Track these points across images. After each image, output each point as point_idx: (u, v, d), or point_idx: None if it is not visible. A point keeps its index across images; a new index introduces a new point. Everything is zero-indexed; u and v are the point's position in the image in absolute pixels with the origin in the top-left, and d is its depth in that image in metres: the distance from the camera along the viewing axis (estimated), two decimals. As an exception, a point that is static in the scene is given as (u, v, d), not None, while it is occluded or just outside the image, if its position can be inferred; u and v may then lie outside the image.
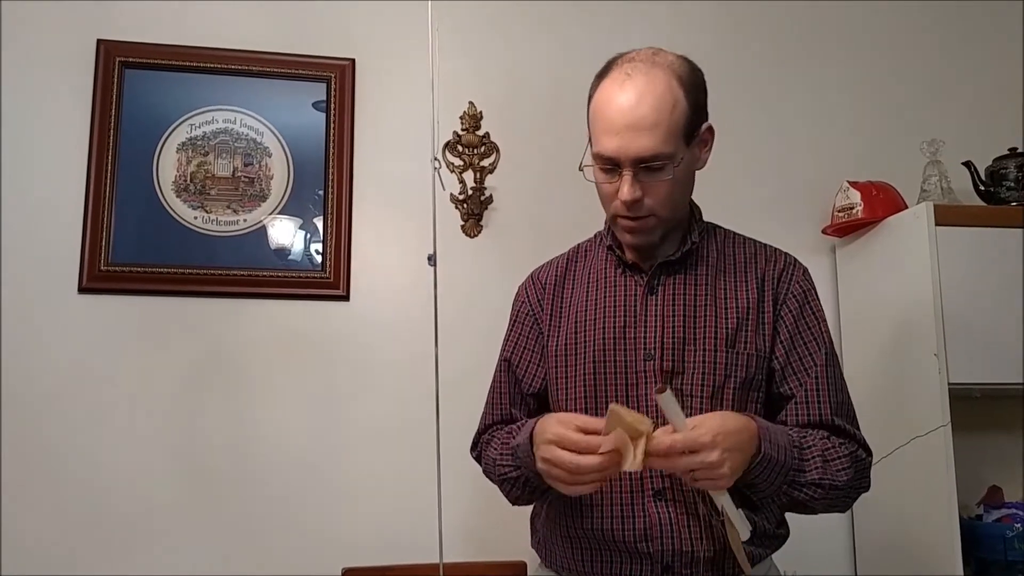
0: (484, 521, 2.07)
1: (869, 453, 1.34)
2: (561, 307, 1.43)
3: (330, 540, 2.03)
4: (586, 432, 1.17)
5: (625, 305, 1.37)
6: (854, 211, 2.20)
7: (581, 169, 1.34)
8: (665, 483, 1.29)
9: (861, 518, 2.20)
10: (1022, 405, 2.21)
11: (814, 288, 1.40)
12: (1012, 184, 2.17)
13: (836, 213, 2.26)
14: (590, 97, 1.34)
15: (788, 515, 1.40)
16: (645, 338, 1.33)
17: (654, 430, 1.13)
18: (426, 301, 2.02)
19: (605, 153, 1.28)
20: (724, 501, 1.18)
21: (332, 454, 2.07)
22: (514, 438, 1.34)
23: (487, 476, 1.45)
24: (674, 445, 1.12)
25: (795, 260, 1.42)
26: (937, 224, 2.00)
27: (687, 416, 1.16)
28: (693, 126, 1.30)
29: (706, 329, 1.33)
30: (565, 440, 1.17)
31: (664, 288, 1.36)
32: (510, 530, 2.02)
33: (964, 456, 1.94)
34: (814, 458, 1.25)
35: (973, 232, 2.02)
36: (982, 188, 2.21)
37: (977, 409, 2.15)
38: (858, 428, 1.35)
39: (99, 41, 2.11)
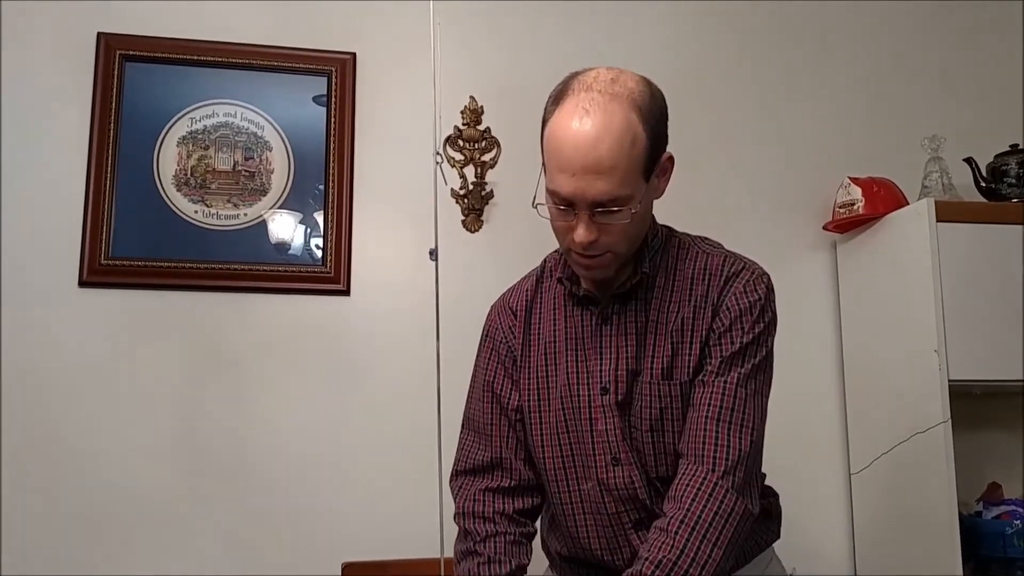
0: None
1: (731, 482, 1.19)
2: (529, 336, 1.39)
3: (330, 534, 2.03)
4: None
5: (583, 336, 1.32)
6: (855, 207, 2.20)
7: (535, 206, 1.26)
8: (641, 514, 1.29)
9: (861, 514, 2.20)
10: (1022, 402, 2.21)
11: (761, 300, 1.28)
12: (1013, 180, 2.17)
13: (837, 209, 2.26)
14: (544, 121, 1.26)
15: (784, 495, 1.41)
16: (601, 371, 1.29)
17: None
18: (426, 296, 2.01)
19: (561, 192, 1.20)
20: None
21: (332, 448, 2.07)
22: None
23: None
24: None
25: (744, 269, 1.31)
26: (938, 220, 2.00)
27: (633, 447, 1.24)
28: (653, 159, 1.22)
29: (651, 359, 1.28)
30: None
31: (618, 318, 1.31)
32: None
33: (964, 453, 1.95)
34: (693, 563, 1.15)
35: (974, 228, 2.02)
36: (983, 184, 2.21)
37: (977, 406, 2.15)
38: (735, 455, 1.20)
39: (100, 34, 2.11)
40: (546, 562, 1.50)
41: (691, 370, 1.26)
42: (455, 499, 1.41)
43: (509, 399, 1.39)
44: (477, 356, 1.46)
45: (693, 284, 1.30)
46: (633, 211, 1.20)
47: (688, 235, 1.40)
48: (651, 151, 1.21)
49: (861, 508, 2.20)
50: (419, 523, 1.95)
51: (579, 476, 1.32)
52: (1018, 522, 1.99)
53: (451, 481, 1.44)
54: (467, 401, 1.46)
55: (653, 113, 1.21)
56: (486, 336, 1.46)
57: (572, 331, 1.34)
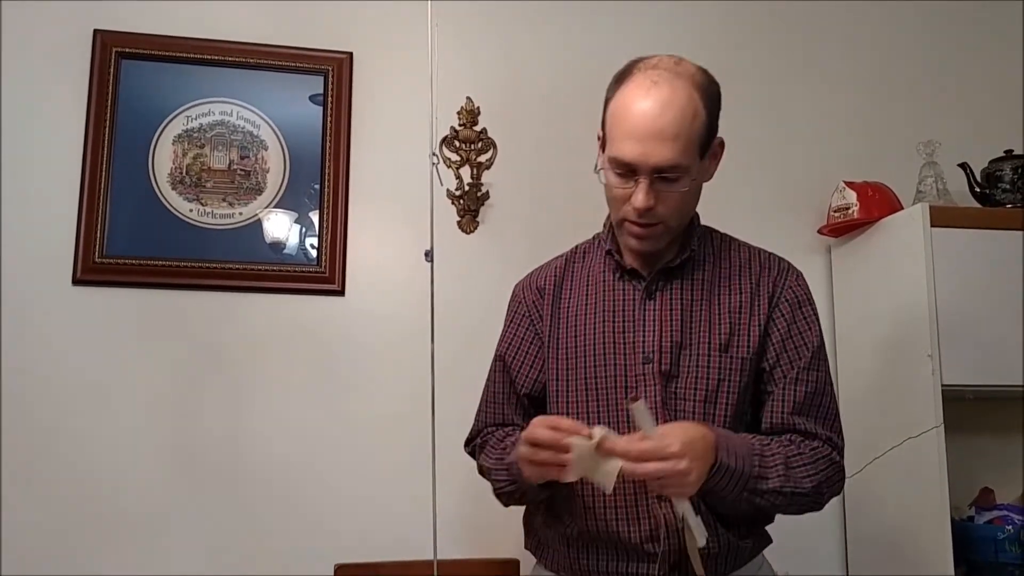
0: (477, 518, 2.07)
1: (841, 455, 1.35)
2: (559, 311, 1.44)
3: (323, 536, 2.02)
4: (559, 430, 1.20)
5: (624, 309, 1.38)
6: (850, 211, 2.20)
7: (597, 171, 1.34)
8: None
9: (853, 518, 2.21)
10: (1019, 407, 2.22)
11: (809, 293, 1.41)
12: (1007, 186, 2.17)
13: (832, 213, 2.27)
14: (608, 100, 1.34)
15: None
16: (644, 342, 1.34)
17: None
18: (421, 296, 2.00)
19: (624, 159, 1.27)
20: (685, 508, 1.20)
21: (326, 450, 2.07)
22: (508, 455, 1.35)
23: (482, 476, 1.46)
24: (644, 452, 1.15)
25: (790, 265, 1.43)
26: (932, 225, 2.00)
27: (671, 415, 1.24)
28: (708, 139, 1.32)
29: (701, 334, 1.34)
30: (545, 424, 1.22)
31: (662, 293, 1.37)
32: (503, 527, 2.01)
33: (956, 458, 1.95)
34: (776, 466, 1.26)
35: (968, 234, 2.03)
36: (977, 190, 2.21)
37: (970, 411, 2.16)
38: (834, 430, 1.36)
39: (96, 31, 2.10)
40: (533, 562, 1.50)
41: (749, 348, 1.34)
42: (476, 457, 1.49)
43: (518, 375, 1.45)
44: (501, 333, 1.53)
45: (742, 272, 1.40)
46: (692, 180, 1.30)
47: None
48: (708, 130, 1.30)
49: (853, 512, 2.20)
50: (412, 525, 1.95)
51: None
52: (1010, 527, 2.00)
53: (465, 447, 1.53)
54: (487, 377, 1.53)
55: (711, 96, 1.31)
56: (510, 311, 1.52)
57: (612, 304, 1.39)
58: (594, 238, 1.51)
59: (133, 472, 1.98)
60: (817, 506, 1.33)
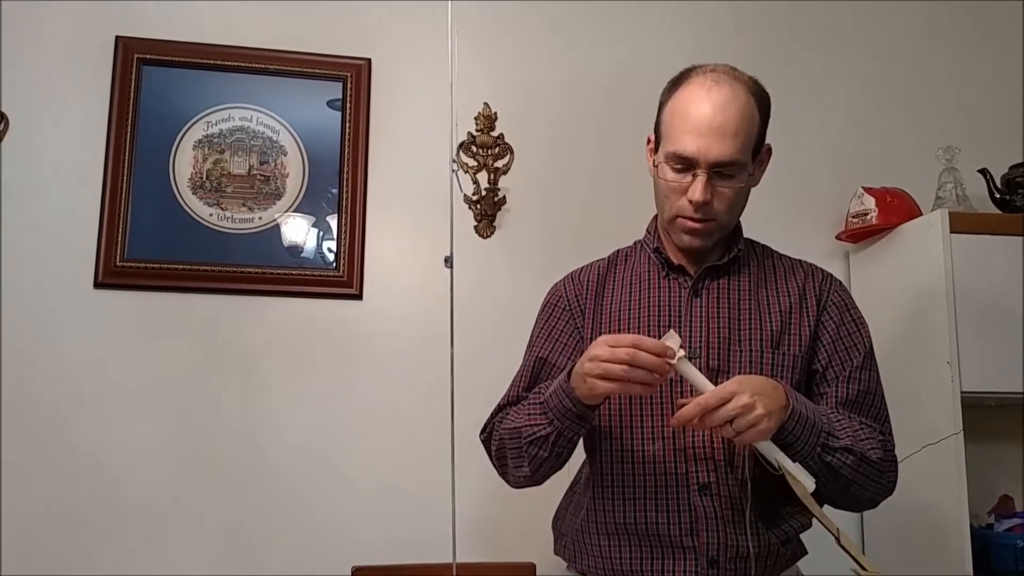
0: (494, 522, 2.08)
1: (894, 454, 1.38)
2: (601, 308, 1.45)
3: (340, 538, 2.03)
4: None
5: (669, 305, 1.40)
6: (868, 217, 2.19)
7: (654, 166, 1.38)
8: (711, 477, 1.31)
9: (871, 526, 2.20)
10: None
11: (853, 300, 1.46)
12: (1028, 192, 2.16)
13: (850, 219, 2.26)
14: (663, 101, 1.39)
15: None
16: (690, 337, 1.36)
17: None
18: (439, 301, 2.02)
19: (684, 153, 1.31)
20: (778, 456, 1.21)
21: (343, 454, 2.08)
22: (542, 395, 1.34)
23: (499, 455, 1.42)
24: (706, 402, 1.17)
25: (832, 274, 1.47)
26: (952, 231, 1.99)
27: None
28: (760, 143, 1.38)
29: (751, 331, 1.37)
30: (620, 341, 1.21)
31: (708, 291, 1.40)
32: (519, 531, 2.03)
33: (976, 465, 1.94)
34: (844, 428, 1.30)
35: (988, 240, 2.02)
36: (997, 196, 2.20)
37: (989, 418, 2.14)
38: (885, 431, 1.39)
39: (118, 38, 2.12)
40: (559, 563, 1.49)
41: (800, 346, 1.38)
42: (491, 444, 1.45)
43: (560, 371, 1.40)
44: (533, 328, 1.52)
45: (787, 276, 1.44)
46: (749, 175, 1.35)
47: None
48: (760, 134, 1.37)
49: (871, 519, 2.19)
50: (431, 528, 1.97)
51: (645, 437, 1.34)
52: (1030, 535, 1.98)
53: (480, 435, 1.49)
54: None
55: (764, 103, 1.37)
56: (547, 308, 1.51)
57: (657, 300, 1.40)
58: (635, 244, 1.53)
59: (151, 473, 2.00)
60: (875, 489, 1.33)
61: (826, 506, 1.35)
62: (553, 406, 1.30)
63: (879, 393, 1.41)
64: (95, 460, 1.98)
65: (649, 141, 1.43)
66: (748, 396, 1.17)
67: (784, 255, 1.50)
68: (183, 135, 2.14)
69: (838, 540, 1.24)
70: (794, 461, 1.24)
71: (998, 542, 2.00)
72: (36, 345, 2.00)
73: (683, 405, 1.20)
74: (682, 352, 1.19)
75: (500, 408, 1.48)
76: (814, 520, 1.32)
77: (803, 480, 1.21)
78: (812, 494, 1.23)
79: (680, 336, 1.23)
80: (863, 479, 1.31)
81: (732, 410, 1.17)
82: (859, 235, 2.25)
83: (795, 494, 1.23)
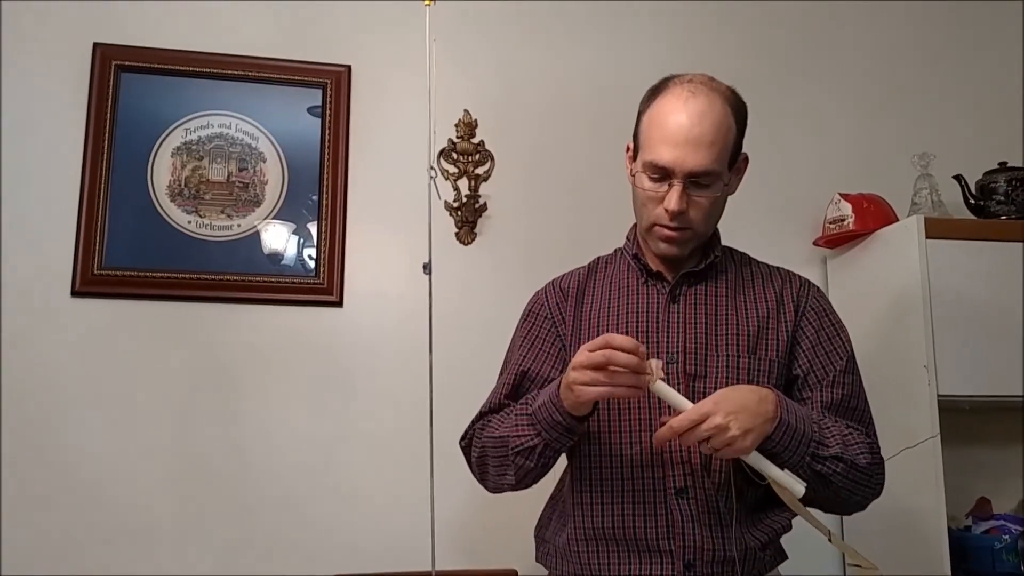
0: (475, 529, 2.07)
1: (881, 457, 1.40)
2: (581, 315, 1.46)
3: (321, 546, 2.03)
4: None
5: (648, 311, 1.41)
6: (845, 223, 2.21)
7: (633, 174, 1.40)
8: (687, 481, 1.32)
9: (850, 528, 2.21)
10: (1015, 417, 2.22)
11: (832, 306, 1.48)
12: (1002, 198, 2.19)
13: (827, 225, 2.28)
14: (642, 111, 1.40)
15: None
16: (668, 343, 1.37)
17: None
18: (419, 308, 2.01)
19: (660, 163, 1.33)
20: (763, 465, 1.22)
21: (324, 461, 2.07)
22: (530, 406, 1.34)
23: (480, 463, 1.43)
24: (679, 425, 1.18)
25: (810, 281, 1.49)
26: (927, 237, 2.02)
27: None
28: (736, 153, 1.39)
29: (727, 336, 1.38)
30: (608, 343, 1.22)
31: (686, 298, 1.41)
32: (501, 538, 2.03)
33: (953, 468, 1.96)
34: (834, 435, 1.31)
35: (963, 245, 2.04)
36: (972, 202, 2.23)
37: (966, 421, 2.16)
38: (870, 433, 1.41)
39: (95, 44, 2.11)
40: (540, 570, 1.50)
41: (777, 351, 1.39)
42: (472, 451, 1.45)
43: (543, 381, 1.42)
44: (514, 336, 1.53)
45: (765, 282, 1.46)
46: (725, 184, 1.37)
47: None
48: (736, 144, 1.38)
49: (851, 522, 2.20)
50: (412, 535, 1.96)
51: (624, 441, 1.35)
52: (1007, 537, 2.00)
53: (460, 442, 1.50)
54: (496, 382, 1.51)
55: (740, 113, 1.39)
56: (529, 316, 1.52)
57: (635, 307, 1.42)
58: (615, 251, 1.54)
59: (132, 482, 1.98)
60: (864, 494, 1.36)
61: (812, 509, 1.36)
62: (542, 418, 1.30)
63: (862, 396, 1.43)
64: (73, 470, 1.96)
65: (628, 149, 1.45)
66: (722, 417, 1.18)
67: (762, 262, 1.52)
68: (161, 142, 2.13)
69: (830, 541, 1.25)
70: (783, 469, 1.26)
71: (976, 544, 2.02)
72: (12, 354, 1.98)
73: (663, 424, 1.21)
74: (662, 374, 1.20)
75: (481, 415, 1.48)
76: (797, 523, 1.33)
77: (791, 486, 1.22)
78: (800, 499, 1.24)
79: (659, 357, 1.26)
80: (853, 485, 1.33)
81: (705, 431, 1.18)
82: (836, 241, 2.27)
83: (782, 499, 1.24)
